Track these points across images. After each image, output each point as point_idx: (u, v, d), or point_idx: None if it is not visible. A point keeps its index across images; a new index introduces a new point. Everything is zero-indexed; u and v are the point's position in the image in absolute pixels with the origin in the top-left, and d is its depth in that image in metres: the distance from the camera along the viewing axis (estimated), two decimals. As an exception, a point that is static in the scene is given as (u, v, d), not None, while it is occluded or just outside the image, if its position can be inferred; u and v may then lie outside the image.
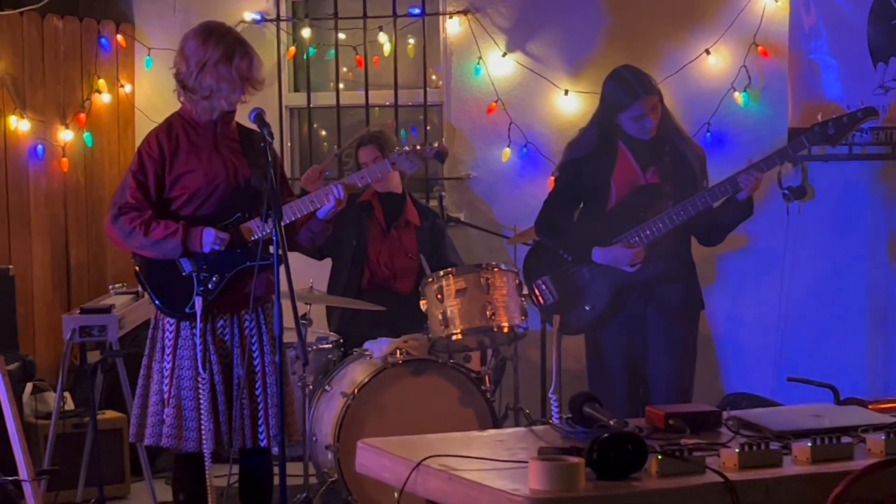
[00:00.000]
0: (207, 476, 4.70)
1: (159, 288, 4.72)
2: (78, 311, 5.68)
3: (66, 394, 6.29)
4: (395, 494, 3.14)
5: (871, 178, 6.73)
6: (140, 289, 6.12)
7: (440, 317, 5.61)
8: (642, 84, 5.18)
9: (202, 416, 4.64)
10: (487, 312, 5.58)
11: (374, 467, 3.30)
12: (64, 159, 7.10)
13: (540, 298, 5.39)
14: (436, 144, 5.01)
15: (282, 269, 4.36)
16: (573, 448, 3.00)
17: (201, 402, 4.63)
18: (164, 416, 4.68)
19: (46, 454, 5.66)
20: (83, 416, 6.13)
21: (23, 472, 4.24)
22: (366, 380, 5.48)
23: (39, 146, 6.97)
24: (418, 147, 4.92)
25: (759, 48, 6.87)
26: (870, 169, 6.72)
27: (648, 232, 5.13)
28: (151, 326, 4.82)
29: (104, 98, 7.35)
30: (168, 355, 4.70)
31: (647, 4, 7.07)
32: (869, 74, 6.57)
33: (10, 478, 4.28)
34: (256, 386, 4.73)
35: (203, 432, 4.64)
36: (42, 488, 4.88)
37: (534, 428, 3.55)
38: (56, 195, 7.10)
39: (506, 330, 5.64)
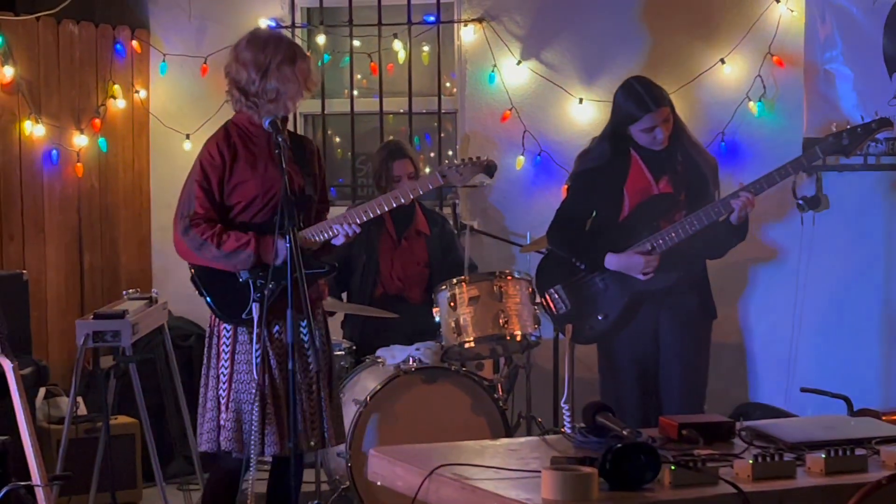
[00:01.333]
0: (250, 481, 4.70)
1: (217, 294, 4.74)
2: (91, 317, 5.67)
3: (79, 399, 6.30)
4: None
5: (885, 188, 6.71)
6: (153, 294, 6.14)
7: (453, 325, 5.60)
8: (653, 96, 5.17)
9: (255, 420, 4.63)
10: (500, 320, 5.58)
11: (387, 475, 3.30)
12: (78, 165, 7.11)
13: (552, 307, 5.38)
14: (485, 158, 5.02)
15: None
16: (586, 458, 3.00)
17: (252, 406, 4.62)
18: (223, 422, 4.69)
19: (59, 459, 5.66)
20: (96, 422, 6.14)
21: (35, 478, 4.24)
22: (378, 387, 5.49)
23: (54, 151, 6.98)
24: (468, 160, 4.95)
25: (774, 58, 6.86)
26: (884, 179, 6.70)
27: (661, 241, 5.13)
28: (207, 334, 4.83)
29: (119, 104, 7.36)
30: (226, 361, 4.71)
31: (662, 14, 7.07)
32: (884, 85, 6.55)
33: (22, 483, 4.28)
34: (312, 389, 4.75)
35: (267, 435, 4.64)
36: (54, 493, 4.87)
37: (546, 437, 3.55)
38: (70, 200, 7.11)
39: (518, 338, 5.64)
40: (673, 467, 2.94)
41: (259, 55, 4.68)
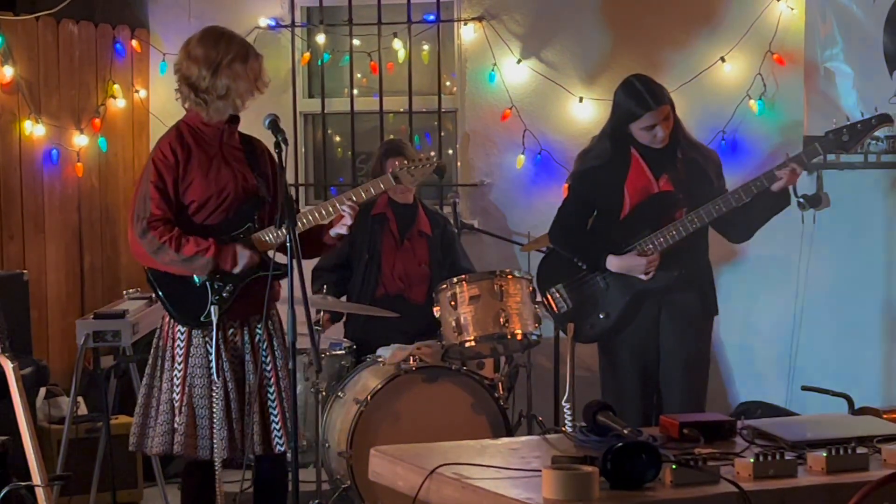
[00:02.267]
0: (217, 483, 4.69)
1: (173, 296, 4.71)
2: (92, 316, 5.68)
3: (80, 399, 6.30)
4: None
5: (886, 186, 6.71)
6: (153, 295, 6.14)
7: (453, 324, 5.60)
8: (653, 94, 5.16)
9: (215, 424, 4.64)
10: (501, 319, 5.58)
11: (387, 475, 3.30)
12: (78, 164, 7.12)
13: (554, 306, 5.38)
14: (436, 159, 5.00)
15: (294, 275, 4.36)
16: (587, 457, 2.99)
17: (214, 409, 4.62)
18: (176, 425, 4.67)
19: (59, 459, 5.66)
20: (96, 422, 6.14)
21: (36, 478, 4.24)
22: (379, 386, 5.48)
23: (54, 151, 6.98)
24: (419, 160, 4.93)
25: (775, 56, 6.86)
26: (885, 177, 6.70)
27: (662, 239, 5.13)
28: (156, 336, 4.80)
29: (119, 103, 7.36)
30: (180, 363, 4.69)
31: (662, 12, 7.07)
32: (885, 83, 6.55)
33: (23, 483, 4.27)
34: (268, 392, 4.73)
35: (216, 440, 4.64)
36: (55, 494, 4.87)
37: (547, 436, 3.55)
38: (70, 200, 7.11)
39: (519, 337, 5.63)
40: (674, 466, 2.94)
41: (211, 51, 4.67)
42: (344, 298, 6.37)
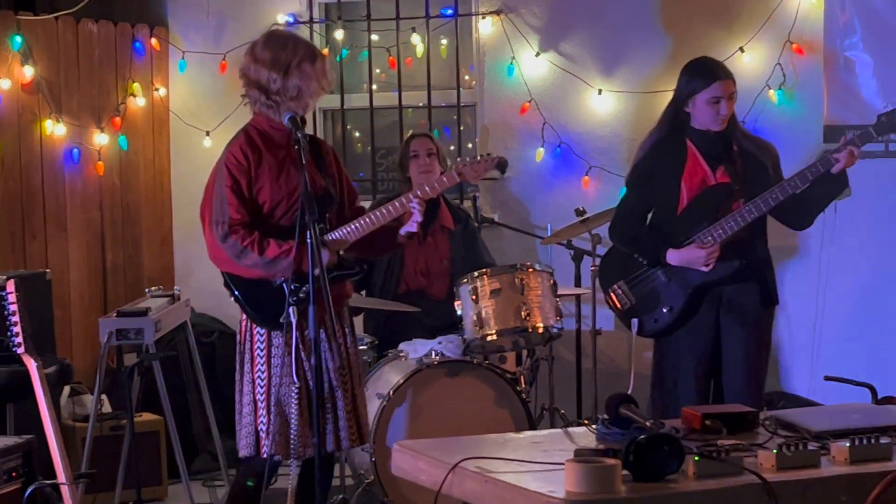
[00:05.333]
0: (293, 481, 4.70)
1: (250, 298, 4.71)
2: (114, 315, 5.69)
3: (104, 397, 6.33)
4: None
5: (907, 175, 6.70)
6: (175, 291, 6.16)
7: (475, 318, 5.60)
8: (721, 68, 5.25)
9: (292, 423, 4.60)
10: (522, 313, 5.57)
11: (410, 469, 3.30)
12: (99, 163, 7.14)
13: (616, 303, 5.37)
14: (496, 155, 5.01)
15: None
16: (609, 450, 3.00)
17: (293, 409, 4.60)
18: (263, 426, 4.65)
19: (84, 457, 5.69)
20: (120, 419, 6.16)
21: (61, 476, 4.26)
22: (401, 381, 5.49)
23: (75, 150, 7.01)
24: (481, 157, 4.94)
25: (794, 46, 6.84)
26: (906, 166, 6.69)
27: (720, 231, 5.11)
28: (239, 339, 4.78)
29: (139, 102, 7.38)
30: (262, 364, 4.68)
31: (681, 3, 7.05)
32: (905, 71, 6.54)
33: (48, 481, 4.29)
34: (347, 388, 4.75)
35: (305, 438, 4.61)
36: (80, 491, 4.90)
37: (570, 429, 3.55)
38: (92, 199, 7.13)
39: (540, 330, 5.63)
40: (697, 458, 2.94)
41: (280, 53, 4.67)
42: (363, 293, 6.37)
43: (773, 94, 6.87)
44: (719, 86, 5.15)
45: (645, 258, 5.30)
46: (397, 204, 4.78)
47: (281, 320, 4.61)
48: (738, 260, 5.17)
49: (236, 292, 4.73)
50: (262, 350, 4.69)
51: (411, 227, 4.82)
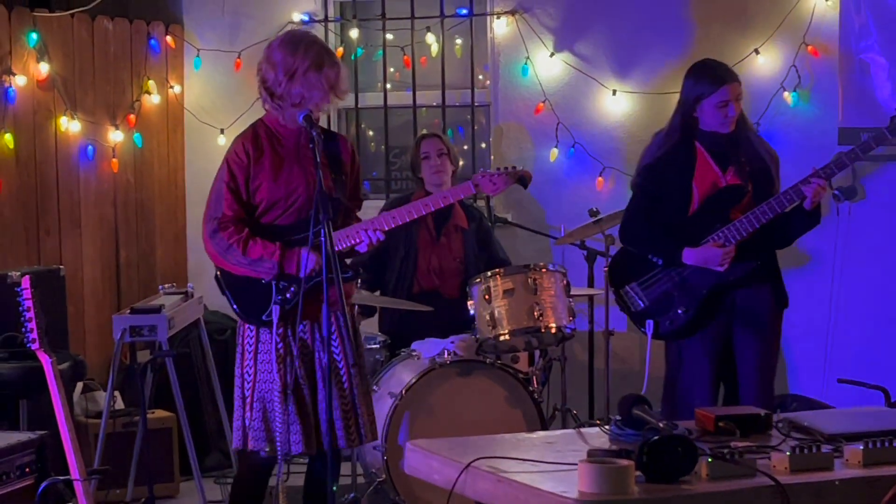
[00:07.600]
0: (284, 477, 4.71)
1: (239, 294, 4.74)
2: (128, 311, 5.71)
3: (116, 393, 6.34)
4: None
5: (921, 178, 6.68)
6: (189, 288, 6.17)
7: (488, 317, 5.60)
8: (727, 71, 5.22)
9: (286, 420, 4.63)
10: (535, 313, 5.57)
11: (423, 468, 3.31)
12: (114, 160, 7.15)
13: (629, 305, 5.35)
14: (520, 169, 4.99)
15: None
16: (622, 450, 2.99)
17: (277, 404, 4.61)
18: (248, 421, 4.69)
19: (97, 453, 5.70)
20: (133, 416, 6.18)
21: (74, 472, 4.27)
22: (414, 380, 5.49)
23: (90, 147, 7.02)
24: (503, 170, 4.92)
25: (809, 47, 6.84)
26: (920, 169, 6.68)
27: (735, 231, 5.10)
28: (238, 334, 4.83)
29: (154, 99, 7.39)
30: (249, 360, 4.71)
31: (696, 4, 7.05)
32: (920, 74, 6.53)
33: (61, 477, 4.30)
34: (345, 386, 4.75)
35: (293, 434, 4.64)
36: (93, 487, 4.91)
37: (582, 430, 3.55)
38: (106, 195, 7.15)
39: (553, 331, 5.63)
40: (710, 459, 2.94)
41: (289, 58, 4.65)
42: (377, 293, 6.38)
43: (788, 96, 6.87)
44: (727, 90, 5.13)
45: (660, 258, 5.28)
46: (402, 213, 4.79)
47: (263, 318, 4.64)
48: (752, 262, 5.15)
49: (225, 287, 4.77)
50: (250, 347, 4.73)
51: (361, 247, 4.78)
